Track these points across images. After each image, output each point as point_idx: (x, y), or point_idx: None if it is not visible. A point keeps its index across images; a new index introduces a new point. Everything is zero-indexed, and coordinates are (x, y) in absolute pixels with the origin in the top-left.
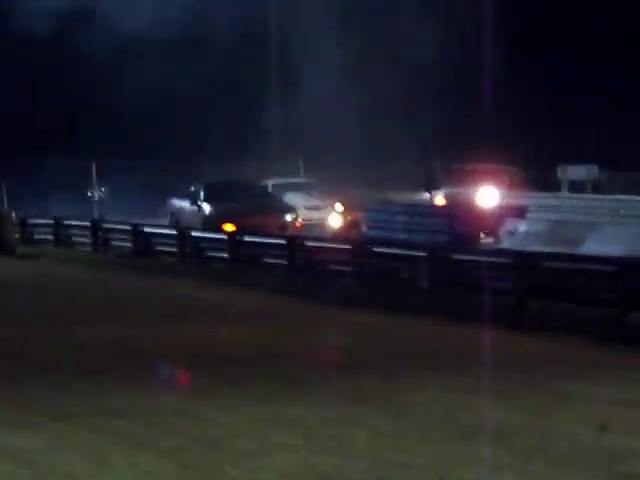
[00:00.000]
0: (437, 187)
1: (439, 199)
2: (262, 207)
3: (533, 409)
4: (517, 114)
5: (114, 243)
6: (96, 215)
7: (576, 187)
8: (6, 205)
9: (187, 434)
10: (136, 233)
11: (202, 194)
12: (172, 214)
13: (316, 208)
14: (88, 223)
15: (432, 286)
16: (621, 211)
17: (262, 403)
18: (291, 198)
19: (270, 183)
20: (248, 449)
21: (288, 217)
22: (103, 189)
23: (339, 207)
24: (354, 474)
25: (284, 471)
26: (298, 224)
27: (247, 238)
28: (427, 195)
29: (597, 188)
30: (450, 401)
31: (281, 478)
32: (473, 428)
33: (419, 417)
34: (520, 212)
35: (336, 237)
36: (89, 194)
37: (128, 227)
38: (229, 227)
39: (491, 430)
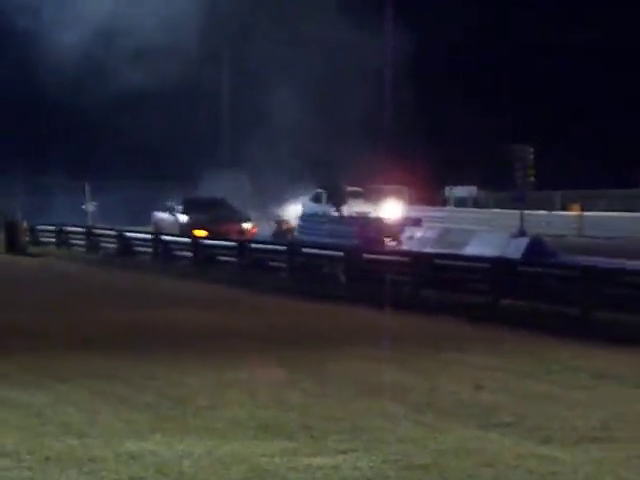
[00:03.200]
0: (344, 203)
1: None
2: (225, 217)
3: (423, 373)
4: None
5: (102, 245)
6: (89, 223)
7: (460, 203)
8: (19, 215)
9: (159, 393)
10: (120, 237)
11: (178, 207)
12: (155, 223)
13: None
14: (82, 229)
15: (348, 279)
16: (494, 221)
17: (216, 369)
18: (350, 203)
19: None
20: (206, 404)
21: (246, 225)
22: (95, 203)
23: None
24: (287, 423)
25: (234, 420)
26: (253, 230)
27: (206, 241)
28: (336, 209)
29: (476, 204)
30: (360, 367)
31: (231, 426)
32: (377, 388)
33: (337, 380)
34: (417, 222)
35: (274, 240)
36: (83, 207)
37: (114, 232)
38: (200, 233)
39: (391, 389)
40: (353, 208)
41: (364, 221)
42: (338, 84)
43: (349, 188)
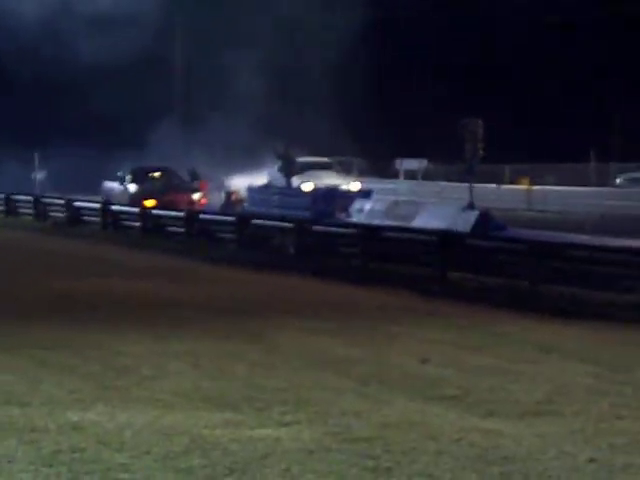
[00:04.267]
0: (294, 174)
1: (304, 184)
2: (175, 187)
3: (369, 345)
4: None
5: (51, 214)
6: (38, 192)
7: (410, 175)
8: None
9: (103, 362)
10: (68, 206)
11: (128, 177)
12: (104, 193)
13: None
14: (31, 197)
15: (297, 251)
16: (443, 194)
17: (162, 339)
18: (320, 174)
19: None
20: (150, 374)
21: (195, 196)
22: (44, 171)
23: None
24: (231, 394)
25: (177, 391)
26: (203, 201)
27: (154, 211)
28: (286, 180)
29: (426, 176)
30: (307, 340)
31: (174, 396)
32: (323, 360)
33: (283, 352)
34: (366, 194)
35: (224, 211)
36: (32, 175)
37: (62, 201)
38: (149, 203)
39: (337, 362)
40: (324, 180)
41: (314, 193)
42: (292, 53)
43: (318, 159)
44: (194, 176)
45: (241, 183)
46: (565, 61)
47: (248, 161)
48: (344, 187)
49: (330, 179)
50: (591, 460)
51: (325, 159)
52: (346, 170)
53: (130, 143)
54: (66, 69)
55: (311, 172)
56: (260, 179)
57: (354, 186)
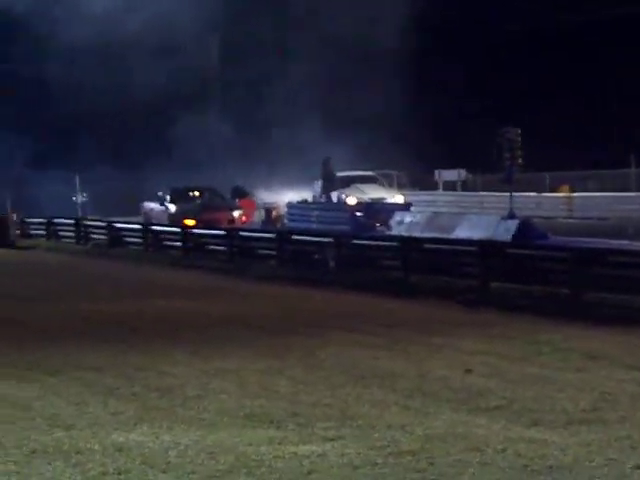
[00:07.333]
0: (333, 189)
1: (349, 198)
2: (215, 206)
3: (413, 358)
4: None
5: (92, 236)
6: (80, 214)
7: (449, 186)
8: (9, 208)
9: (147, 383)
10: (109, 228)
11: (168, 197)
12: (145, 214)
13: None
14: (72, 221)
15: (338, 265)
16: (483, 204)
17: (205, 358)
18: (365, 188)
19: (339, 174)
20: (194, 394)
21: (235, 213)
22: (85, 194)
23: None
24: (275, 411)
25: (221, 410)
26: (243, 219)
27: (195, 230)
28: (326, 195)
29: (465, 187)
30: (350, 354)
31: (218, 415)
32: (367, 374)
33: (327, 368)
34: (406, 206)
35: (265, 228)
36: (73, 198)
37: (103, 223)
38: (189, 222)
39: (380, 376)
40: (368, 194)
41: (354, 207)
42: (328, 68)
43: (363, 173)
44: (237, 194)
45: (281, 199)
46: (603, 61)
47: (291, 177)
48: (389, 200)
49: (375, 192)
50: (638, 467)
51: (370, 172)
52: (389, 183)
53: (174, 163)
54: (107, 95)
55: (356, 186)
56: (301, 194)
57: (398, 199)
